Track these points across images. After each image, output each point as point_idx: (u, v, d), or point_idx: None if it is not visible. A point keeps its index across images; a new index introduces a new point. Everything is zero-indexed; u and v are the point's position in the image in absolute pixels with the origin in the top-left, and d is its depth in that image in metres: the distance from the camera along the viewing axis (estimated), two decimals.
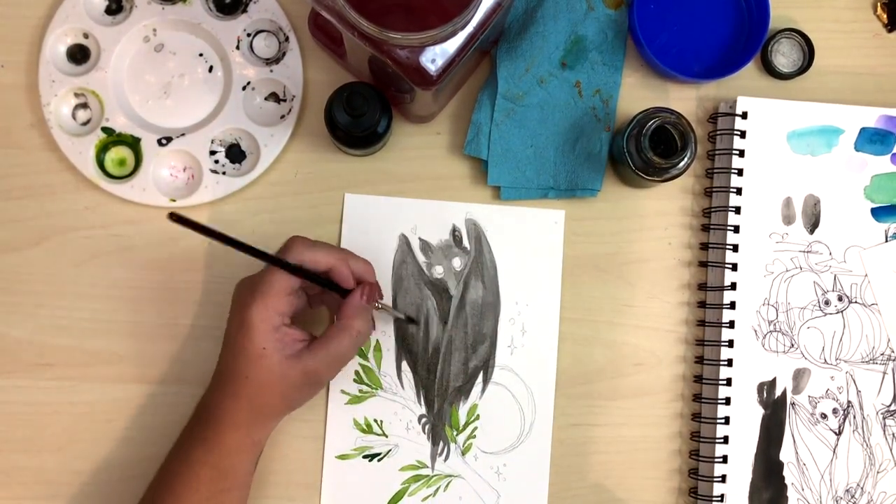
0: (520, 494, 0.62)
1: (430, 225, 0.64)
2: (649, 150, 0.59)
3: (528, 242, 0.64)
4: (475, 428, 0.63)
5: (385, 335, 0.63)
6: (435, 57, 0.51)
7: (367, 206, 0.64)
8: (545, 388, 0.63)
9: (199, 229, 0.47)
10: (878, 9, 0.67)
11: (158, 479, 0.55)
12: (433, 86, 0.52)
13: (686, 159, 0.60)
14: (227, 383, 0.54)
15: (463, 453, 0.63)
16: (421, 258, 0.63)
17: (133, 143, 0.62)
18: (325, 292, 0.56)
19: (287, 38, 0.63)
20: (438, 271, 0.63)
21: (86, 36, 0.63)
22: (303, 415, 0.60)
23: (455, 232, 0.64)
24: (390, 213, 0.64)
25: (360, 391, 0.63)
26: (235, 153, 0.63)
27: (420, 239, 0.63)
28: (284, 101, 0.63)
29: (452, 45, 0.51)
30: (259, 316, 0.52)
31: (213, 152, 0.63)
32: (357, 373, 0.63)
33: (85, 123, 0.63)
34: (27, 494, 0.61)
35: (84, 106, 0.63)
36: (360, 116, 0.57)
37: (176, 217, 0.45)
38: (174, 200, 0.62)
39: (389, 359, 0.63)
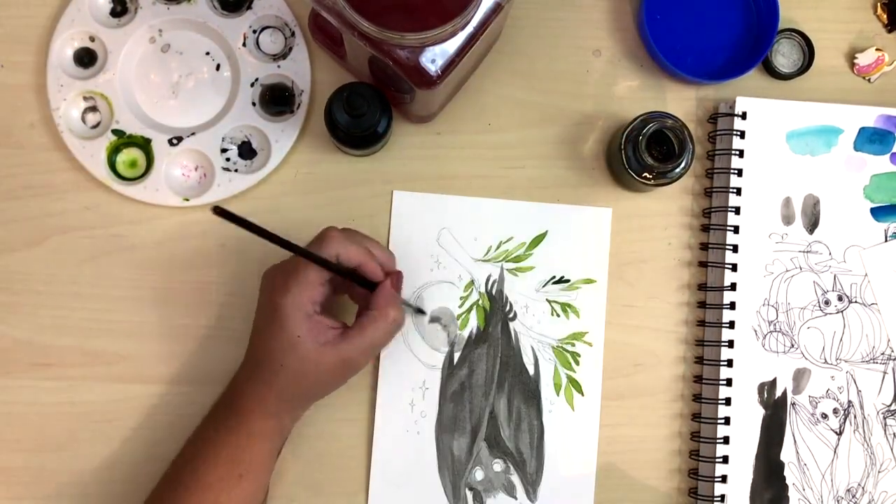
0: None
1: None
2: (646, 153, 0.59)
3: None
4: None
5: None
6: (435, 57, 0.51)
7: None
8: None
9: (241, 223, 0.47)
10: (878, 9, 0.67)
11: (183, 454, 0.55)
12: (433, 86, 0.52)
13: (681, 168, 0.60)
14: (259, 371, 0.54)
15: None
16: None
17: (144, 145, 0.62)
18: (350, 283, 0.56)
19: (293, 34, 0.63)
20: None
21: (92, 39, 0.63)
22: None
23: None
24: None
25: None
26: (246, 150, 0.63)
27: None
28: (293, 96, 0.63)
29: (452, 45, 0.51)
30: (293, 304, 0.52)
31: (224, 150, 0.63)
32: None
33: (95, 126, 0.63)
34: (27, 494, 0.61)
35: (93, 109, 0.63)
36: (360, 116, 0.57)
37: (219, 211, 0.45)
38: (187, 200, 0.62)
39: None
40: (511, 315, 0.63)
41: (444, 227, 0.64)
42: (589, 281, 0.64)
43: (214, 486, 0.53)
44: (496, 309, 0.63)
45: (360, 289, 0.56)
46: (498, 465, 0.62)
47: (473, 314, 0.63)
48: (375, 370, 0.62)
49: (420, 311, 0.63)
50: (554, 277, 0.64)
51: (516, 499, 0.62)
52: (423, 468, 0.62)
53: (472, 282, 0.63)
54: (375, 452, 0.62)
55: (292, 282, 0.52)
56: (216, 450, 0.54)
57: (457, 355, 0.63)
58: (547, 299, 0.64)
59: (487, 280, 0.63)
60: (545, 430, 0.62)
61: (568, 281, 0.64)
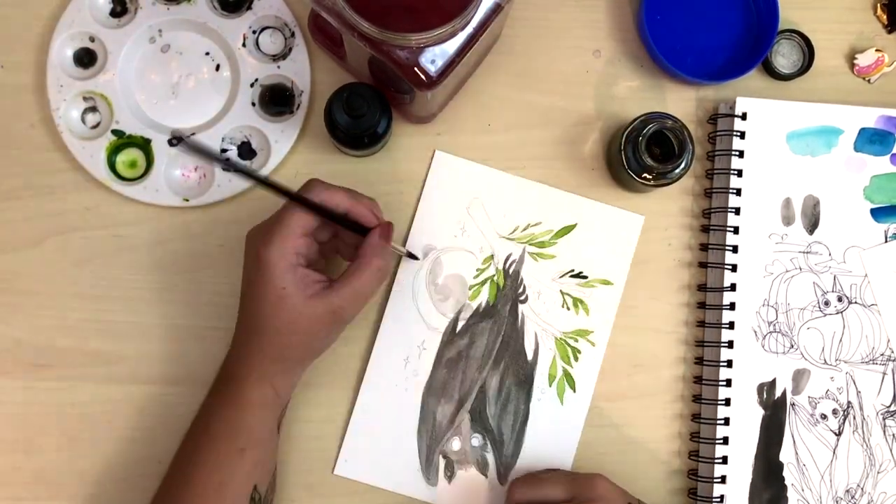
0: None
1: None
2: (646, 154, 0.59)
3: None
4: None
5: None
6: (434, 58, 0.51)
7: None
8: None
9: (208, 155, 0.46)
10: (878, 9, 0.67)
11: (183, 441, 0.55)
12: (433, 87, 0.52)
13: (681, 168, 0.60)
14: (248, 334, 0.53)
15: None
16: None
17: (143, 145, 0.62)
18: (338, 239, 0.56)
19: (293, 34, 0.63)
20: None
21: (92, 39, 0.63)
22: None
23: None
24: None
25: None
26: (246, 151, 0.63)
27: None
28: (293, 96, 0.63)
29: (452, 45, 0.51)
30: (276, 254, 0.51)
31: (224, 150, 0.63)
32: None
33: (95, 127, 0.63)
34: (27, 494, 0.61)
35: (93, 109, 0.63)
36: (359, 117, 0.57)
37: (178, 139, 0.45)
38: (187, 200, 0.62)
39: None
40: (522, 297, 0.63)
41: (477, 196, 0.64)
42: (606, 282, 0.64)
43: (223, 466, 0.52)
44: (509, 288, 0.63)
45: (350, 245, 0.55)
46: (476, 440, 0.62)
47: (486, 288, 0.63)
48: (376, 328, 0.62)
49: (412, 256, 0.62)
50: (573, 271, 0.64)
51: (486, 477, 0.62)
52: (403, 426, 0.62)
53: (492, 256, 0.63)
54: (360, 399, 0.61)
55: (275, 231, 0.51)
56: (212, 427, 0.53)
57: (461, 324, 0.63)
58: (561, 290, 0.64)
59: (507, 258, 0.63)
60: (530, 417, 0.62)
61: (586, 277, 0.64)
